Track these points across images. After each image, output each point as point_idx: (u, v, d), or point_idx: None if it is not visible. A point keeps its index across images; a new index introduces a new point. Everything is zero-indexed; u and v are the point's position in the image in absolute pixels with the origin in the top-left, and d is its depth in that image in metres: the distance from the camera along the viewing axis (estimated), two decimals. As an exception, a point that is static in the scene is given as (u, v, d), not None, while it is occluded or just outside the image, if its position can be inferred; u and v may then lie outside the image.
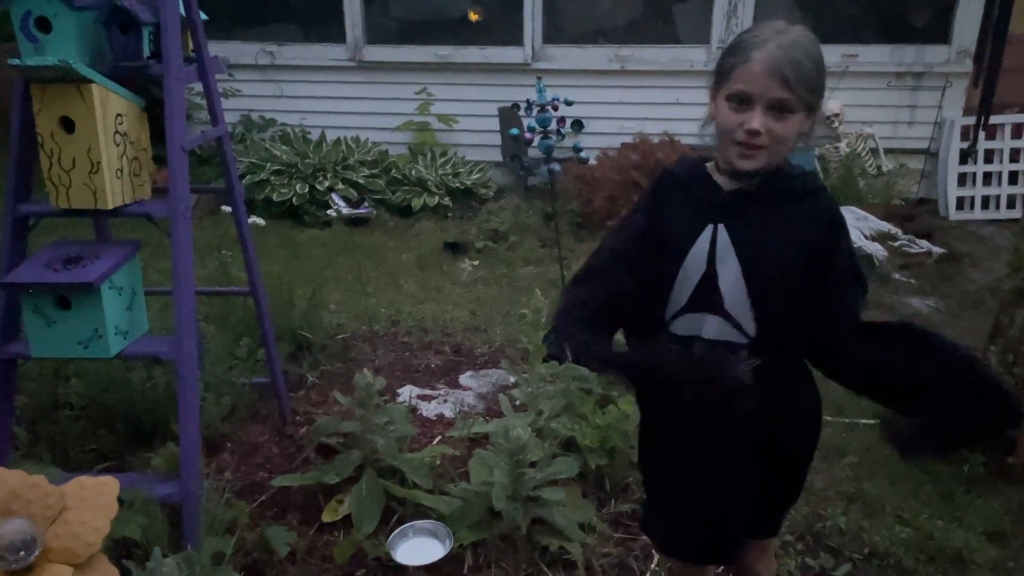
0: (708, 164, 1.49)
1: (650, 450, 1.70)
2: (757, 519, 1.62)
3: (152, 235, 3.24)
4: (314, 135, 6.03)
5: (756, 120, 1.32)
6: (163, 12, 1.99)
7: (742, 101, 1.33)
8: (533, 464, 2.25)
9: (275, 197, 5.43)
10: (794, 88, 1.30)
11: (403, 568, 2.18)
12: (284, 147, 5.82)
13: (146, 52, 2.08)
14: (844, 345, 1.47)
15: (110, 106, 1.98)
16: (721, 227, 1.41)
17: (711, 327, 1.44)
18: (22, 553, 1.28)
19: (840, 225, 1.45)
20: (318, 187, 5.48)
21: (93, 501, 1.28)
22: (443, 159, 5.93)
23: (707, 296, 1.42)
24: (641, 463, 1.75)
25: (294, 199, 5.42)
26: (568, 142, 3.93)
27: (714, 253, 1.41)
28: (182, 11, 2.17)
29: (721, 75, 1.37)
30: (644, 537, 2.36)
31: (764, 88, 1.31)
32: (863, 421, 2.98)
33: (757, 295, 1.40)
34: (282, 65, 6.18)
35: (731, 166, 1.39)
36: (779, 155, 1.38)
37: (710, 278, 1.42)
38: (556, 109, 3.31)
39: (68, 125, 1.95)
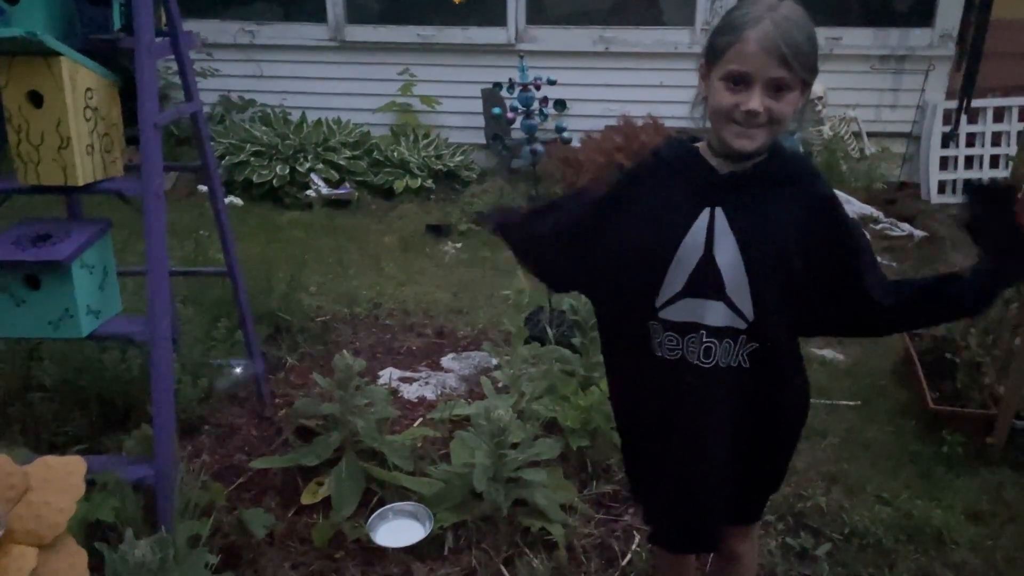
0: (699, 145, 1.45)
1: (631, 440, 1.68)
2: (739, 505, 1.60)
3: (130, 217, 3.18)
4: (295, 116, 5.94)
5: (755, 100, 1.28)
6: (134, -17, 1.93)
7: (739, 81, 1.30)
8: (515, 446, 2.23)
9: (255, 178, 5.35)
10: (791, 65, 1.27)
11: (383, 550, 2.16)
12: (264, 128, 5.74)
13: (117, 25, 2.02)
14: (881, 312, 1.43)
15: (79, 80, 1.92)
16: (719, 210, 1.38)
17: (715, 314, 1.40)
18: (-15, 535, 1.24)
19: (838, 209, 1.41)
20: (299, 169, 5.40)
21: (58, 482, 1.24)
22: (426, 141, 5.87)
23: (706, 281, 1.39)
24: (624, 453, 1.73)
25: (274, 181, 5.34)
26: (551, 124, 3.89)
27: (712, 237, 1.38)
28: (154, -17, 2.11)
29: (714, 54, 1.33)
30: (626, 518, 2.36)
31: (761, 67, 1.27)
32: (845, 403, 2.98)
33: (756, 278, 1.38)
34: (262, 45, 6.08)
35: (728, 147, 1.35)
36: (777, 134, 1.34)
37: (709, 262, 1.38)
38: (538, 88, 3.26)
39: (36, 99, 1.89)
